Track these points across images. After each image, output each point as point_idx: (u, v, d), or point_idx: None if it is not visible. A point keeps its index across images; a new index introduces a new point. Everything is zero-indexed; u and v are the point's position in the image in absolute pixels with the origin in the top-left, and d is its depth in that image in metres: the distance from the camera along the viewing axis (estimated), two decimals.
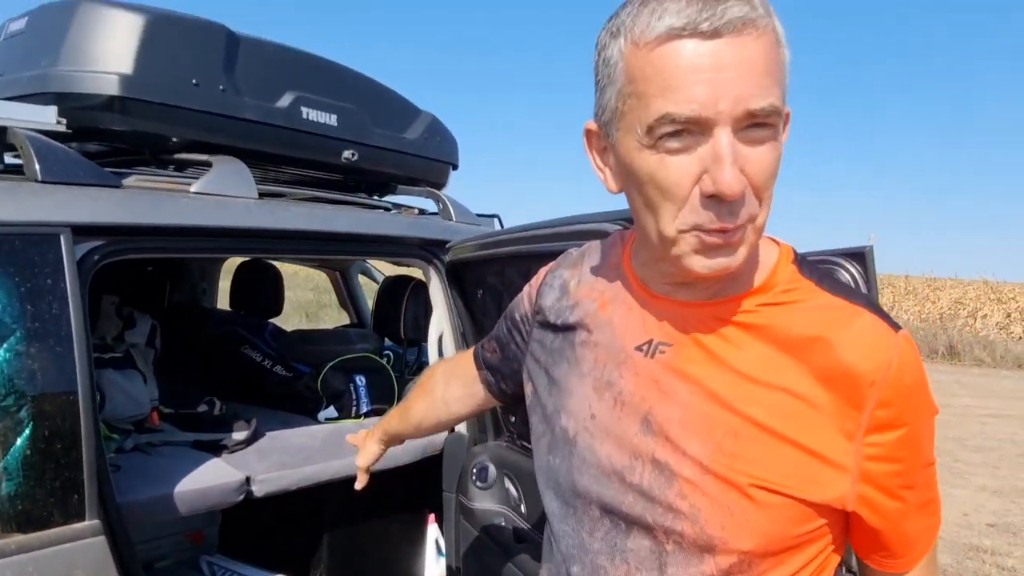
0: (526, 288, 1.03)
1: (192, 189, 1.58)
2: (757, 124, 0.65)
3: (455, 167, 2.51)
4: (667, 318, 0.79)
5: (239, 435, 1.82)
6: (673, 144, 0.66)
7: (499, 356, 1.09)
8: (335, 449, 1.89)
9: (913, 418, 0.72)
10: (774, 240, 0.81)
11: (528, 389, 0.95)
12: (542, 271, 1.01)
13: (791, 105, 0.72)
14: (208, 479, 1.63)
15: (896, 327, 0.73)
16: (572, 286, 0.92)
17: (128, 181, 1.54)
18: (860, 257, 2.05)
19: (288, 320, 11.68)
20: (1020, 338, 14.66)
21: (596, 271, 0.90)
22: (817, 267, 0.79)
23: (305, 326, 10.84)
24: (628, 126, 0.69)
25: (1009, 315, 16.75)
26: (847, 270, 2.05)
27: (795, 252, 0.79)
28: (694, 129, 0.65)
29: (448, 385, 1.21)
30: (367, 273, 3.71)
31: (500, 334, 1.08)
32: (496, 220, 2.70)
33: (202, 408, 1.98)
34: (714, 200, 0.66)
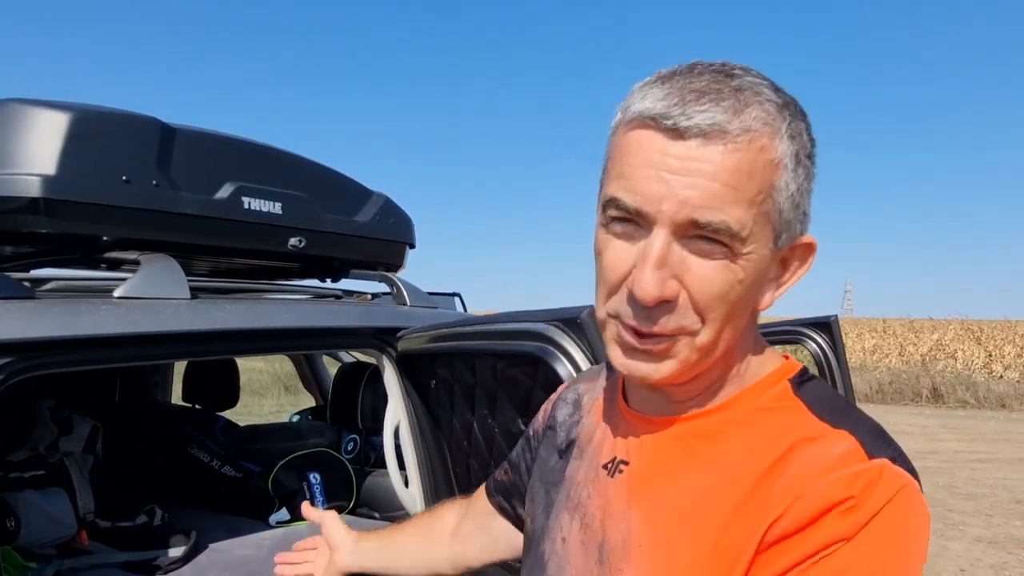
0: (545, 403, 0.96)
1: (116, 294, 1.49)
2: (704, 237, 0.61)
3: (412, 246, 2.45)
4: (632, 433, 0.74)
5: (176, 551, 1.69)
6: (618, 228, 0.64)
7: (511, 477, 0.99)
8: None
9: (865, 553, 0.58)
10: (785, 356, 0.74)
11: (527, 509, 0.88)
12: (562, 386, 0.95)
13: None
14: None
15: (879, 455, 0.61)
16: (585, 400, 0.87)
17: (48, 287, 1.45)
18: (826, 327, 1.99)
19: (267, 393, 11.47)
20: (1001, 377, 14.70)
21: (607, 383, 0.85)
22: (824, 388, 0.70)
23: (284, 399, 10.62)
24: (598, 199, 0.67)
25: (990, 354, 16.85)
26: (814, 340, 2.00)
27: (802, 371, 0.71)
28: (639, 221, 0.62)
29: (458, 517, 1.05)
30: (332, 354, 3.60)
31: (513, 453, 1.00)
32: (457, 299, 2.63)
33: (141, 519, 1.85)
34: (633, 299, 0.62)
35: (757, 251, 0.62)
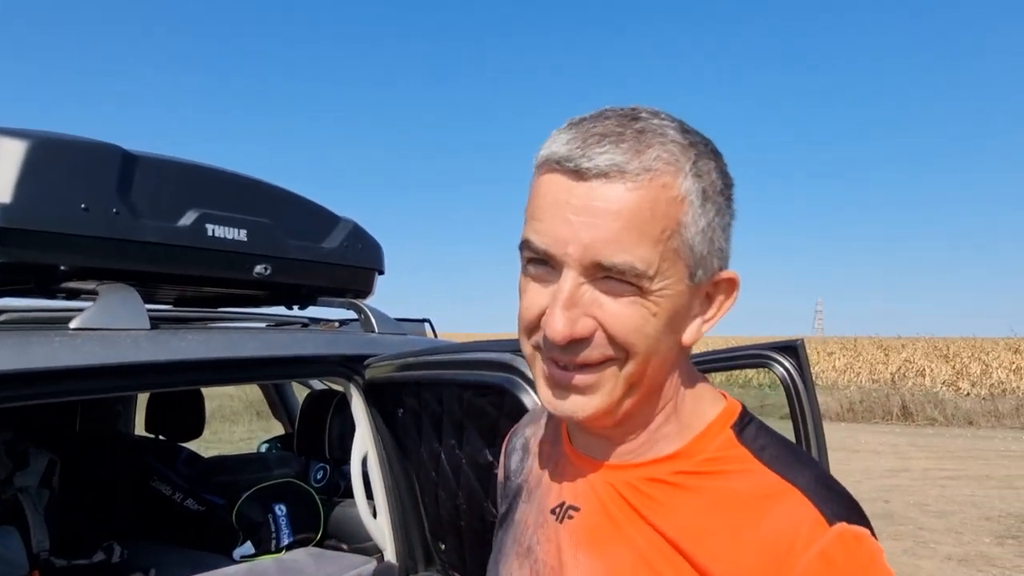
0: (501, 454, 0.94)
1: (72, 325, 1.45)
2: (612, 277, 0.61)
3: (380, 272, 2.43)
4: (580, 477, 0.72)
5: None
6: (533, 270, 0.65)
7: None
8: None
9: None
10: (724, 396, 0.73)
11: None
12: (510, 432, 0.92)
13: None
14: None
15: (833, 519, 0.60)
16: (531, 444, 0.85)
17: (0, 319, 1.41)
18: (793, 351, 2.00)
19: (238, 420, 11.26)
20: (968, 394, 14.95)
21: (551, 422, 0.83)
22: (765, 432, 0.70)
23: (257, 426, 10.42)
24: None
25: (958, 372, 17.14)
26: (781, 364, 2.00)
27: (742, 415, 0.70)
28: (550, 263, 0.63)
29: None
30: (302, 382, 3.54)
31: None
32: (427, 325, 2.61)
33: (99, 557, 1.79)
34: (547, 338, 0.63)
35: (671, 287, 0.62)
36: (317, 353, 1.84)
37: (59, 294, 1.77)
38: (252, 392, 12.96)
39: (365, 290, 2.35)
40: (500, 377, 1.07)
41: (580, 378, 0.64)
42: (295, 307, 2.30)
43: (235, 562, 1.95)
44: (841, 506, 0.62)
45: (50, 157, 1.58)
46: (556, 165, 0.62)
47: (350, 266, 2.24)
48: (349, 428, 2.16)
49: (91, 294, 1.60)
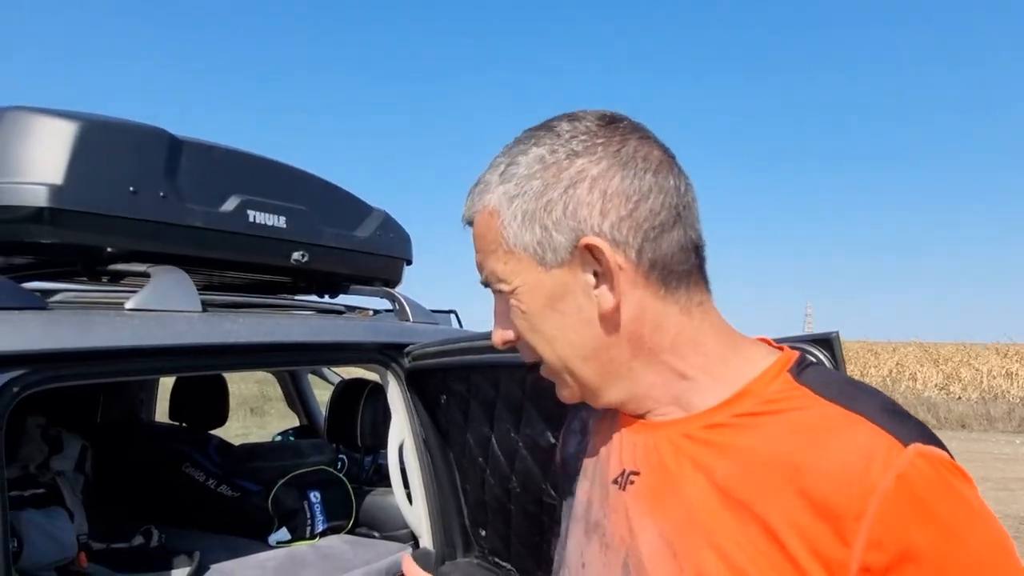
0: (558, 441, 0.95)
1: (128, 305, 1.46)
2: (496, 291, 0.75)
3: (409, 262, 2.44)
4: (637, 443, 0.73)
5: (179, 572, 1.63)
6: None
7: None
8: None
9: (935, 561, 0.56)
10: (779, 348, 0.73)
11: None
12: (568, 416, 0.92)
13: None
14: None
15: (907, 439, 0.59)
16: (591, 424, 0.85)
17: (56, 299, 1.41)
18: (828, 344, 2.03)
19: (232, 416, 11.14)
20: (959, 398, 15.07)
21: None
22: (825, 371, 0.70)
23: (250, 421, 10.37)
24: None
25: (948, 376, 17.28)
26: (816, 358, 2.03)
27: (799, 359, 0.70)
28: None
29: None
30: (317, 372, 3.54)
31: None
32: (453, 316, 2.62)
33: (137, 541, 1.79)
34: None
35: (524, 279, 0.71)
36: (358, 340, 1.85)
37: (103, 278, 1.77)
38: (246, 388, 12.90)
39: (394, 279, 2.36)
40: None
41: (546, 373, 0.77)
42: (326, 295, 2.31)
43: (271, 547, 1.95)
44: (913, 429, 0.61)
45: (100, 139, 1.59)
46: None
47: (382, 255, 2.26)
48: (381, 416, 2.17)
49: (139, 277, 1.61)
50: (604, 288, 0.68)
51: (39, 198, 1.50)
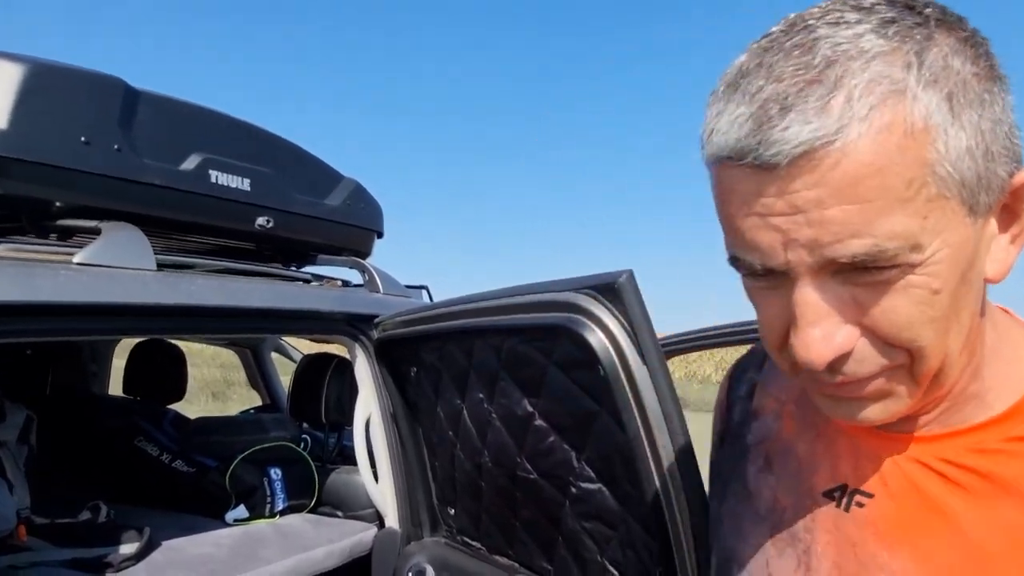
0: (717, 402, 0.80)
1: (76, 260, 1.35)
2: (860, 269, 0.47)
3: (380, 235, 2.37)
4: (865, 455, 0.59)
5: (128, 548, 1.54)
6: (757, 282, 0.52)
7: None
8: (245, 559, 1.63)
9: None
10: None
11: (712, 507, 0.75)
12: (727, 374, 0.78)
13: None
14: None
15: None
16: (757, 391, 0.72)
17: None
18: None
19: (193, 400, 10.91)
20: None
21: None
22: None
23: (212, 407, 10.14)
24: None
25: None
26: None
27: None
28: (773, 275, 0.50)
29: None
30: (281, 350, 3.44)
31: None
32: (424, 292, 2.55)
33: (84, 516, 1.69)
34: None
35: (946, 240, 0.46)
36: (326, 309, 1.76)
37: (51, 234, 1.65)
38: (208, 373, 12.66)
39: (364, 251, 2.29)
40: (559, 318, 1.01)
41: (861, 389, 0.51)
42: (292, 265, 2.22)
43: (228, 525, 1.86)
44: None
45: (51, 84, 1.48)
46: (729, 161, 0.48)
47: (351, 225, 2.18)
48: (347, 392, 2.09)
49: (90, 235, 1.50)
50: (1008, 242, 0.51)
51: None
